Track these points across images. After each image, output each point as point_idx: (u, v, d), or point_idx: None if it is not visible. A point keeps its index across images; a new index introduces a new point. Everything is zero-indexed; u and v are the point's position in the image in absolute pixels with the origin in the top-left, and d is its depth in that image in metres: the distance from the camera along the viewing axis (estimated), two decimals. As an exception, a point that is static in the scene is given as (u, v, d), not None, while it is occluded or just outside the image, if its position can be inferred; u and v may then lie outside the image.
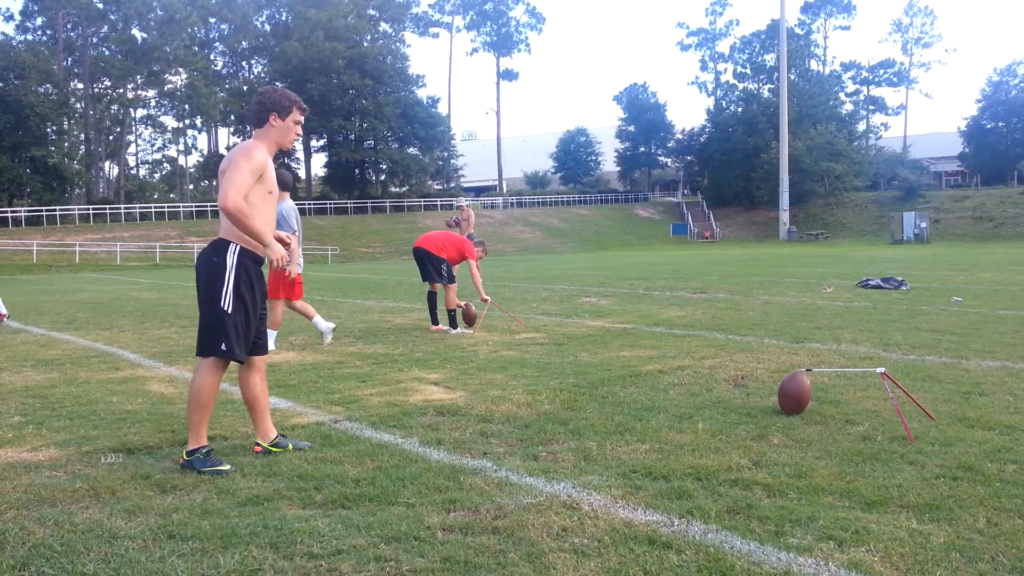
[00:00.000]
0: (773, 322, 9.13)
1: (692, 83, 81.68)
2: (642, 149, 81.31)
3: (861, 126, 76.61)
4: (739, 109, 73.48)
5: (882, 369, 4.44)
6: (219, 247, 3.70)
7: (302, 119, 3.89)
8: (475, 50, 79.28)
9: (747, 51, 76.17)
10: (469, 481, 3.38)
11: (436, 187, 70.00)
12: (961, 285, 14.34)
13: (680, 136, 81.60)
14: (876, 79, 78.09)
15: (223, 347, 3.65)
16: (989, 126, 70.12)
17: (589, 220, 64.19)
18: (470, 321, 9.08)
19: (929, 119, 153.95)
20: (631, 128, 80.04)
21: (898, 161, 69.79)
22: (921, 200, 60.34)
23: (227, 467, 3.58)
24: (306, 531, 2.81)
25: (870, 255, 32.17)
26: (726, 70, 78.82)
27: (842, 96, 76.09)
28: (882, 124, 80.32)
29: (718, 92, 78.33)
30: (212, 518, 2.96)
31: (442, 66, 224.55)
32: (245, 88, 66.06)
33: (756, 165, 65.77)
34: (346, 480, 3.41)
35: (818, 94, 69.35)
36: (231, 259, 3.66)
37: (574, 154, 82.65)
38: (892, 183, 65.50)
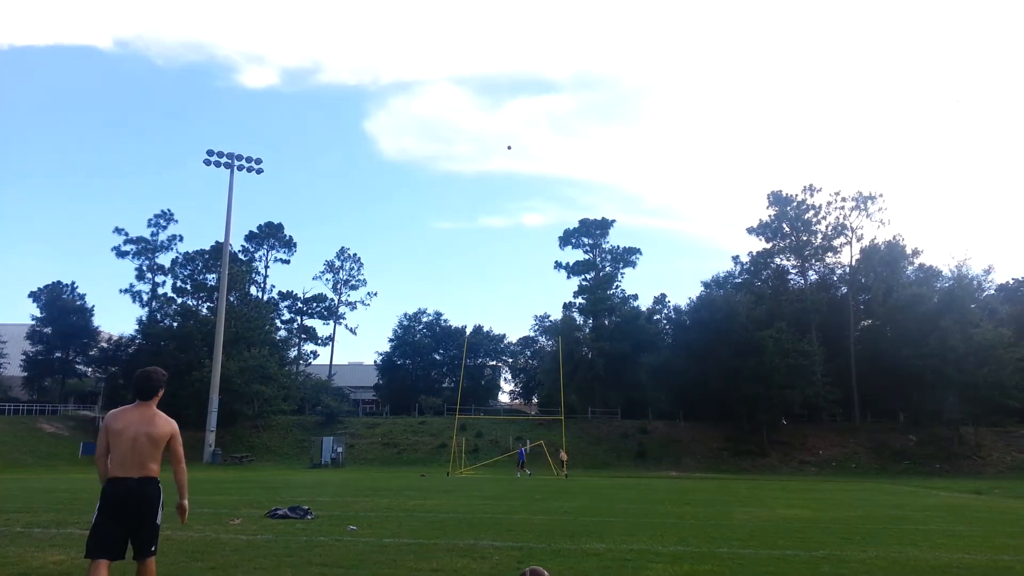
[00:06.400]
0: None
1: (125, 291, 77.19)
2: (59, 355, 72.57)
3: (293, 352, 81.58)
4: (175, 324, 71.81)
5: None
6: None
7: None
8: None
9: (189, 267, 76.32)
10: None
11: None
12: (360, 512, 15.38)
13: (106, 345, 75.42)
14: (310, 311, 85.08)
15: None
16: (399, 362, 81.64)
17: (-25, 433, 53.20)
18: None
19: (352, 351, 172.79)
20: (47, 330, 71.27)
21: (323, 388, 75.31)
22: (340, 426, 65.41)
23: None
24: None
25: (288, 479, 32.92)
26: (165, 282, 77.25)
27: (278, 323, 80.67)
28: (312, 352, 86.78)
29: (154, 303, 75.71)
30: None
31: None
32: None
33: (187, 383, 63.87)
34: None
35: (256, 318, 72.16)
36: None
37: (-32, 352, 69.35)
38: (316, 408, 70.00)
